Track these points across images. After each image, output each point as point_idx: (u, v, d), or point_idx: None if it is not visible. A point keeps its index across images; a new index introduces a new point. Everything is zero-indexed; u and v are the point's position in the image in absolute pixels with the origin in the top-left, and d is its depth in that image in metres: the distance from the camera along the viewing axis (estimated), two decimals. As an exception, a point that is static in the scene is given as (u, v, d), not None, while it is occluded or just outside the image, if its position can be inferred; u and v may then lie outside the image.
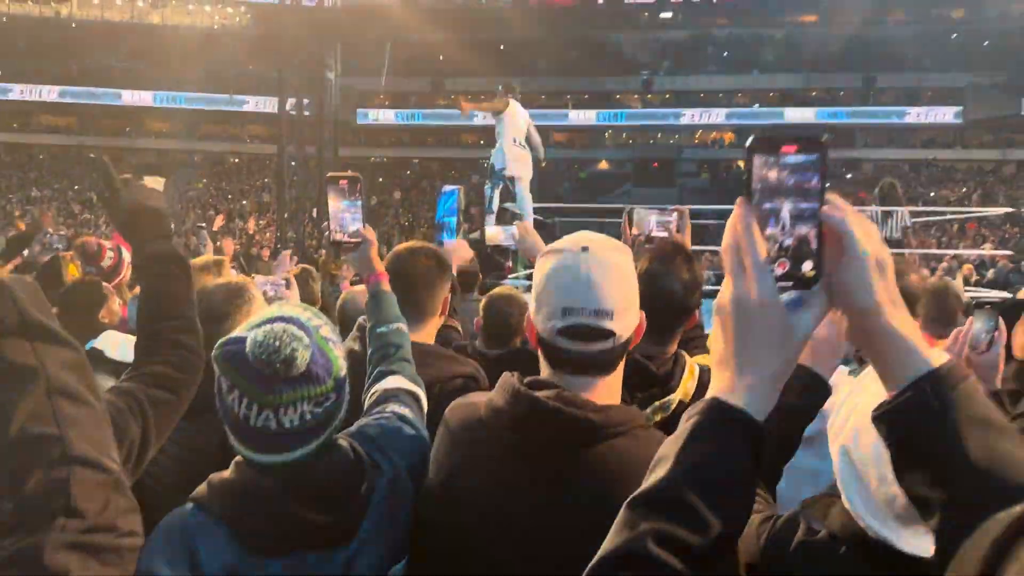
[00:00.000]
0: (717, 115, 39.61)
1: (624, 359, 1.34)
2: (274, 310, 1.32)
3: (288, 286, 3.14)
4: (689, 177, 39.60)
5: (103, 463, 1.09)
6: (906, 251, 8.58)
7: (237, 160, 40.25)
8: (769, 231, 0.78)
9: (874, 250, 0.77)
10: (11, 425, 0.98)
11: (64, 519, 1.00)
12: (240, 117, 40.07)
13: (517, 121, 8.60)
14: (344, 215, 1.93)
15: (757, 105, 39.95)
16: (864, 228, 0.78)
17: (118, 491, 1.12)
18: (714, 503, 0.75)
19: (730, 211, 0.80)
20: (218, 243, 10.24)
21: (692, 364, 1.89)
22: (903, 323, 0.78)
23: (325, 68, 21.16)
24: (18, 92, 38.16)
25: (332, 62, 21.68)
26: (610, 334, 1.26)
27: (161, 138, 40.28)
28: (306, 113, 21.33)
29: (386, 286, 1.95)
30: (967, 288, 9.68)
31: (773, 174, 0.78)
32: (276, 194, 20.99)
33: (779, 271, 0.78)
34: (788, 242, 0.78)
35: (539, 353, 1.36)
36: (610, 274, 1.27)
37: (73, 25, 41.38)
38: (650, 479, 0.79)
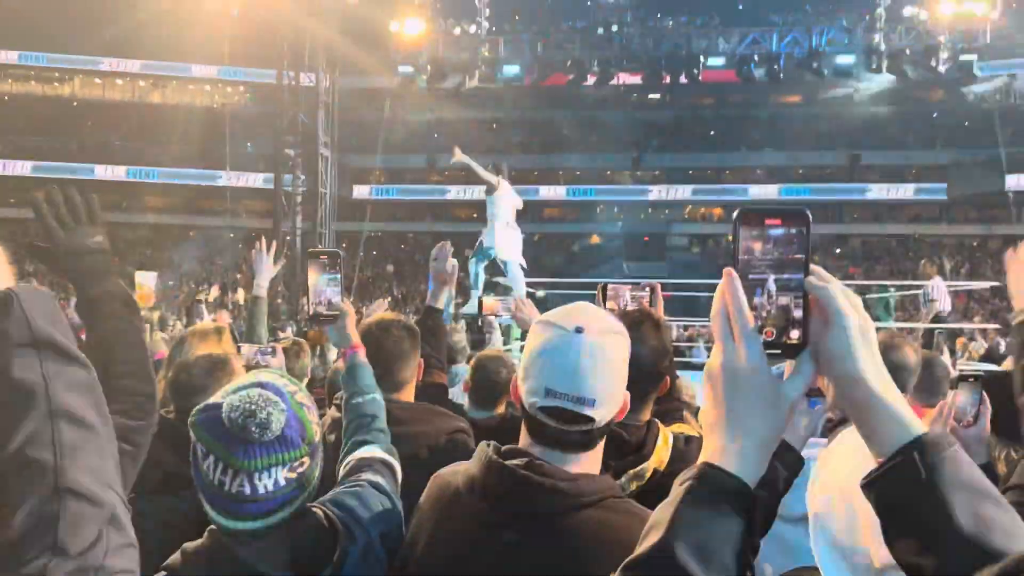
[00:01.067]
0: (706, 191, 40.38)
1: (604, 437, 1.34)
2: (250, 377, 1.33)
3: (274, 354, 3.15)
4: (679, 251, 40.08)
5: (98, 496, 1.02)
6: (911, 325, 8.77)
7: (233, 235, 40.58)
8: (756, 300, 0.80)
9: (858, 320, 0.79)
10: (8, 447, 0.93)
11: (49, 559, 0.93)
12: (237, 192, 40.63)
13: (508, 202, 8.71)
14: (324, 289, 2.00)
15: (746, 183, 40.77)
16: (848, 298, 0.80)
17: (114, 525, 1.04)
18: (708, 568, 0.75)
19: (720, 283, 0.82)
20: (214, 317, 10.26)
21: (666, 432, 1.89)
22: (888, 391, 0.79)
23: (322, 145, 21.59)
24: (18, 168, 38.68)
25: (329, 139, 22.14)
26: (590, 420, 1.26)
27: (157, 213, 40.67)
28: (302, 188, 21.65)
29: (362, 358, 1.99)
30: (968, 361, 9.79)
31: (758, 245, 0.81)
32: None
33: (766, 338, 0.80)
34: (774, 311, 0.80)
35: (522, 419, 1.37)
36: (599, 362, 1.27)
37: (75, 104, 42.32)
38: (644, 544, 0.80)
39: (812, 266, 0.80)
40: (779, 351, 0.80)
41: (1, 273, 0.96)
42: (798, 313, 0.80)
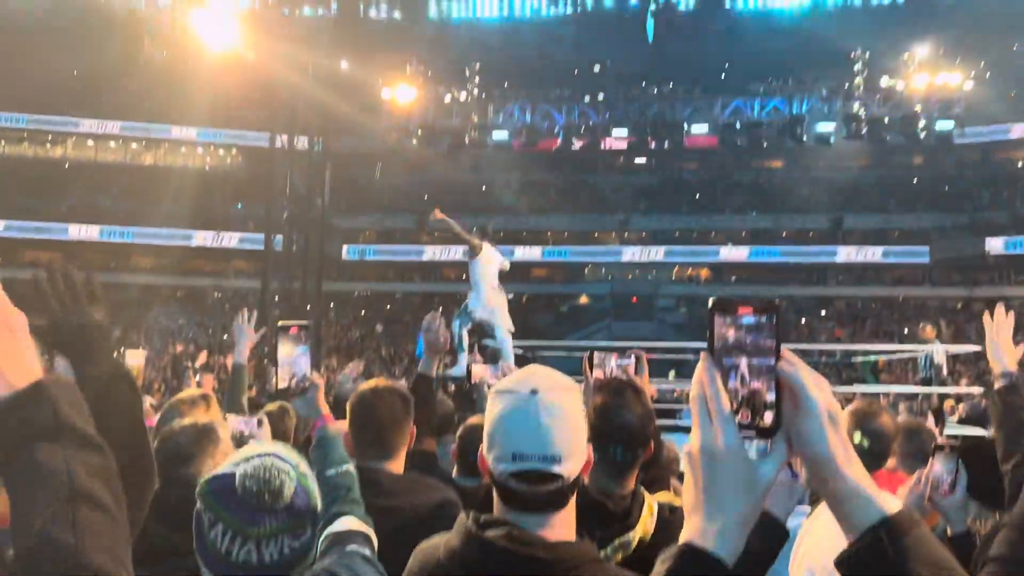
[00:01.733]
0: (692, 253, 40.91)
1: (575, 493, 1.38)
2: (256, 448, 1.38)
3: (260, 425, 3.14)
4: (667, 312, 40.27)
5: (112, 574, 1.07)
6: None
7: (219, 295, 40.47)
8: (731, 384, 0.84)
9: (825, 403, 0.84)
10: (32, 526, 0.98)
11: None
12: (225, 253, 40.70)
13: (492, 266, 8.71)
14: (295, 361, 2.00)
15: (730, 244, 41.32)
16: (815, 382, 0.85)
17: None
18: None
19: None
20: (198, 379, 10.16)
21: (651, 501, 1.91)
22: (855, 471, 0.84)
23: (312, 207, 21.79)
24: (1, 228, 38.76)
25: (319, 201, 22.36)
26: (559, 477, 1.30)
27: (144, 273, 40.64)
28: (293, 248, 21.77)
29: (332, 430, 2.00)
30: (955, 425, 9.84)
31: (732, 333, 0.85)
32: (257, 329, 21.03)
33: (741, 421, 0.84)
34: (748, 395, 0.84)
35: (494, 488, 1.40)
36: (559, 418, 1.31)
37: (67, 166, 42.65)
38: None
39: (783, 350, 0.85)
40: (754, 433, 0.84)
41: (32, 362, 1.01)
42: (770, 396, 0.84)
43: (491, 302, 8.69)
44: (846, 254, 38.37)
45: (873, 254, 38.08)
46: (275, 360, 2.03)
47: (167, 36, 17.51)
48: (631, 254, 40.86)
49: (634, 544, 1.78)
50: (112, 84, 36.16)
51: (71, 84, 38.09)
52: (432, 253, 41.24)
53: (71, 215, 39.65)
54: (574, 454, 1.32)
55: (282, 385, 2.00)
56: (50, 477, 1.00)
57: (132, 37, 17.46)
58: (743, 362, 0.85)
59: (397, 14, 23.24)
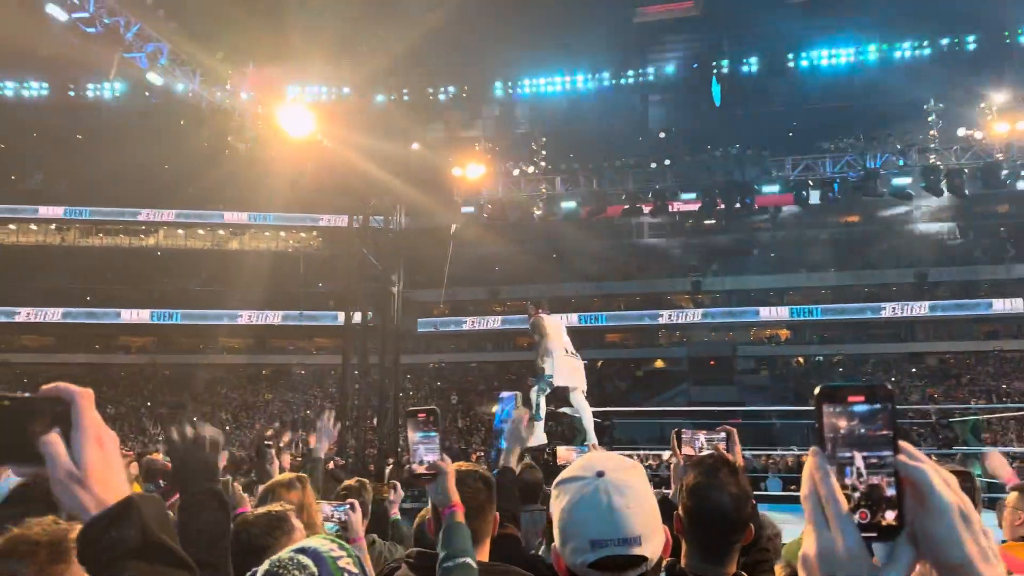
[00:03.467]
0: (771, 312, 40.00)
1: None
2: (302, 542, 1.41)
3: (353, 509, 3.17)
4: (747, 374, 39.18)
5: None
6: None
7: (303, 372, 41.59)
8: (846, 480, 0.78)
9: (957, 501, 0.75)
10: None
11: None
12: (307, 331, 41.97)
13: (558, 332, 8.78)
14: (420, 446, 2.02)
15: (814, 302, 40.22)
16: (943, 478, 0.77)
17: None
18: None
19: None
20: (279, 461, 10.39)
21: None
22: (996, 572, 0.75)
23: (389, 284, 22.41)
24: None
25: (396, 277, 22.99)
26: (642, 560, 1.25)
27: (231, 353, 42.20)
28: (370, 324, 22.34)
29: (460, 518, 1.98)
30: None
31: (843, 423, 0.78)
32: (339, 403, 21.49)
33: (860, 520, 0.76)
34: (866, 491, 0.77)
35: None
36: (631, 498, 1.27)
37: (159, 254, 45.16)
38: None
39: (901, 443, 0.78)
40: (875, 534, 0.76)
41: (121, 479, 1.05)
42: (891, 492, 0.77)
43: (567, 367, 8.72)
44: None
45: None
46: (407, 446, 2.06)
47: (249, 128, 18.57)
48: (705, 316, 40.24)
49: None
50: (200, 175, 38.50)
51: (162, 177, 40.76)
52: (504, 323, 41.61)
53: (162, 301, 41.77)
54: (654, 534, 1.27)
55: (415, 470, 2.01)
56: None
57: (218, 131, 18.59)
58: (857, 455, 0.78)
59: (464, 95, 24.14)
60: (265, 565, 1.32)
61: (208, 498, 1.75)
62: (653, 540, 1.26)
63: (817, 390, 0.80)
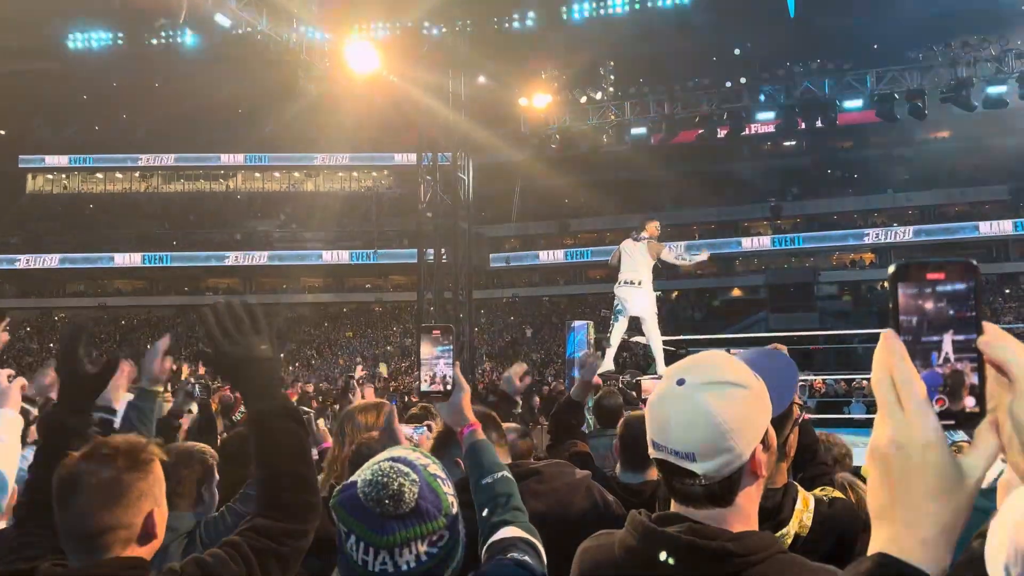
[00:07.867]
0: (855, 237, 38.62)
1: (745, 487, 1.26)
2: (384, 454, 1.39)
3: (431, 431, 3.27)
4: (830, 300, 38.13)
5: None
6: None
7: (380, 309, 42.67)
8: (935, 368, 0.71)
9: None
10: None
11: None
12: (382, 269, 42.89)
13: (631, 261, 8.75)
14: (440, 361, 1.88)
15: (896, 224, 38.56)
16: None
17: None
18: None
19: (874, 335, 0.76)
20: (362, 394, 10.77)
21: (806, 495, 1.75)
22: None
23: (459, 220, 22.56)
24: (187, 259, 42.84)
25: (465, 213, 23.11)
26: (693, 475, 1.22)
27: (313, 292, 43.60)
28: (444, 260, 22.64)
29: (481, 435, 1.87)
30: None
31: (920, 304, 0.72)
32: (415, 338, 22.06)
33: (939, 408, 0.70)
34: (948, 376, 0.71)
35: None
36: (692, 416, 1.21)
37: (239, 197, 46.60)
38: None
39: (984, 323, 0.70)
40: (954, 422, 0.70)
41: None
42: (971, 378, 0.70)
43: (624, 295, 8.72)
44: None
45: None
46: (418, 362, 1.90)
47: (318, 68, 18.68)
48: (784, 242, 39.16)
49: (788, 541, 1.64)
50: (272, 116, 39.26)
51: (236, 118, 41.76)
52: (574, 255, 41.49)
53: (244, 243, 43.26)
54: (714, 454, 1.20)
55: (424, 387, 1.88)
56: None
57: (288, 72, 18.78)
58: (936, 338, 0.71)
59: (530, 22, 23.53)
60: (367, 473, 1.30)
61: (275, 412, 1.58)
62: (713, 461, 1.20)
63: (892, 268, 0.73)
